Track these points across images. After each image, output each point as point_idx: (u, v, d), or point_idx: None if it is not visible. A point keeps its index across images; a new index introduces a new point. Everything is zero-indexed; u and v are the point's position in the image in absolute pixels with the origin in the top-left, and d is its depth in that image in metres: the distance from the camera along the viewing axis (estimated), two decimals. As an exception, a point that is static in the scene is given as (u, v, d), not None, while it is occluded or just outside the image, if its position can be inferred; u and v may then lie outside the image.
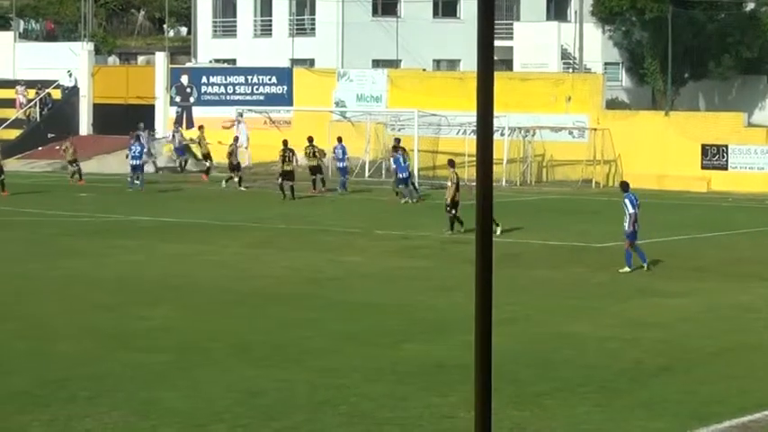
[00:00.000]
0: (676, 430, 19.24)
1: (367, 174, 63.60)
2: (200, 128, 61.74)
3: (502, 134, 58.01)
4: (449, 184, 43.40)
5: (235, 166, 58.03)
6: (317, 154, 56.29)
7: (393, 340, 25.84)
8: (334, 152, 58.11)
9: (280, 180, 53.71)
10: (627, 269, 34.57)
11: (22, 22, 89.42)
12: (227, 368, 23.21)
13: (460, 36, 72.73)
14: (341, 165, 57.27)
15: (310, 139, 56.71)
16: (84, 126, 74.02)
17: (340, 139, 58.24)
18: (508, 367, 20.77)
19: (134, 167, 57.55)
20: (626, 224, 34.95)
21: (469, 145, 57.74)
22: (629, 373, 22.90)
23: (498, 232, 40.52)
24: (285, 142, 55.13)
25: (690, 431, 19.14)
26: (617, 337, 26.01)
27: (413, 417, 19.82)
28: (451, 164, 45.16)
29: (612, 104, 69.24)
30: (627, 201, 35.24)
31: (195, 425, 19.28)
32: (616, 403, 20.68)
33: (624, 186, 36.45)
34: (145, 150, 60.48)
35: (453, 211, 42.13)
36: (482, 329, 9.24)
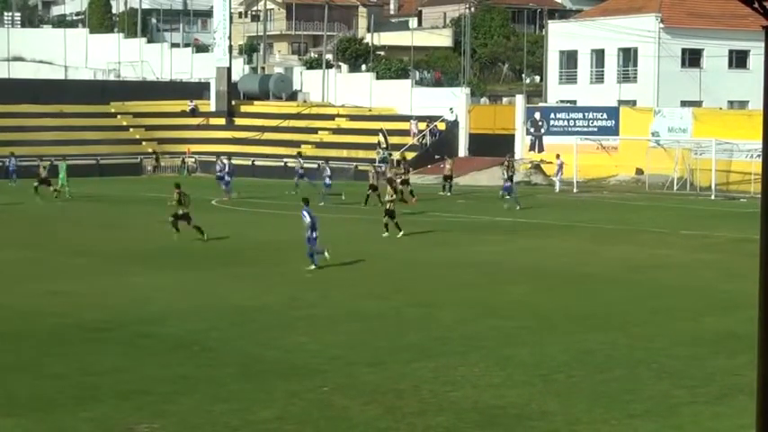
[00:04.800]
0: None
1: (675, 187, 62.42)
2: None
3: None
4: (388, 197, 40.20)
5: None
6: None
7: (694, 314, 25.32)
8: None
9: (172, 219, 39.24)
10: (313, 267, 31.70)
11: (417, 73, 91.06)
12: (566, 332, 23.16)
13: (749, 82, 70.72)
14: (507, 184, 53.57)
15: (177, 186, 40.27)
16: (462, 150, 74.81)
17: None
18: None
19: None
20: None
21: (756, 166, 56.09)
22: None
23: None
24: (178, 185, 39.72)
25: None
26: None
27: (707, 373, 19.41)
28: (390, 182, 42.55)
29: None
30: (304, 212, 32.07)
31: (540, 374, 19.29)
32: None
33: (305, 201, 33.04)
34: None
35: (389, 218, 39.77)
36: (765, 305, 9.06)
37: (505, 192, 52.39)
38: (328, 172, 55.54)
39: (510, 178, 57.46)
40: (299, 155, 65.07)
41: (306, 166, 61.90)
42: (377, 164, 65.43)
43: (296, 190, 55.84)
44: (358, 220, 46.27)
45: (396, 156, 66.59)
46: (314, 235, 31.98)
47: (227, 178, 57.29)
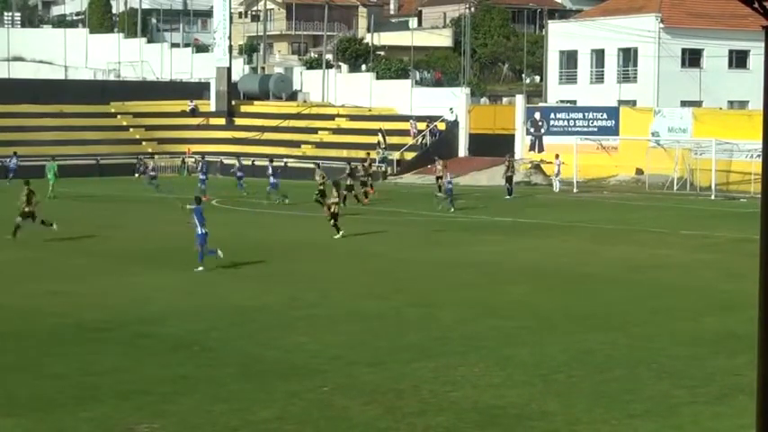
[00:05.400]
0: None
1: (675, 187, 62.41)
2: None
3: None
4: (330, 201, 40.46)
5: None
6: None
7: (694, 314, 25.30)
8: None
9: (20, 219, 38.70)
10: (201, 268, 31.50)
11: (417, 73, 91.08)
12: (566, 332, 23.14)
13: (750, 82, 70.80)
14: (449, 186, 51.53)
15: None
16: (462, 150, 74.84)
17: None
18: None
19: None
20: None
21: (756, 166, 56.12)
22: None
23: None
24: (27, 182, 39.51)
25: None
26: None
27: (707, 373, 19.39)
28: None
29: None
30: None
31: (540, 374, 19.27)
32: None
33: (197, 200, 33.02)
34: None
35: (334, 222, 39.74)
36: (765, 305, 9.05)
37: (448, 193, 51.28)
38: (270, 171, 55.08)
39: (509, 178, 57.73)
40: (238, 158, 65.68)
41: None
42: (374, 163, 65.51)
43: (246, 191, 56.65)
44: (354, 219, 46.22)
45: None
46: (202, 231, 31.84)
47: (201, 177, 57.73)
